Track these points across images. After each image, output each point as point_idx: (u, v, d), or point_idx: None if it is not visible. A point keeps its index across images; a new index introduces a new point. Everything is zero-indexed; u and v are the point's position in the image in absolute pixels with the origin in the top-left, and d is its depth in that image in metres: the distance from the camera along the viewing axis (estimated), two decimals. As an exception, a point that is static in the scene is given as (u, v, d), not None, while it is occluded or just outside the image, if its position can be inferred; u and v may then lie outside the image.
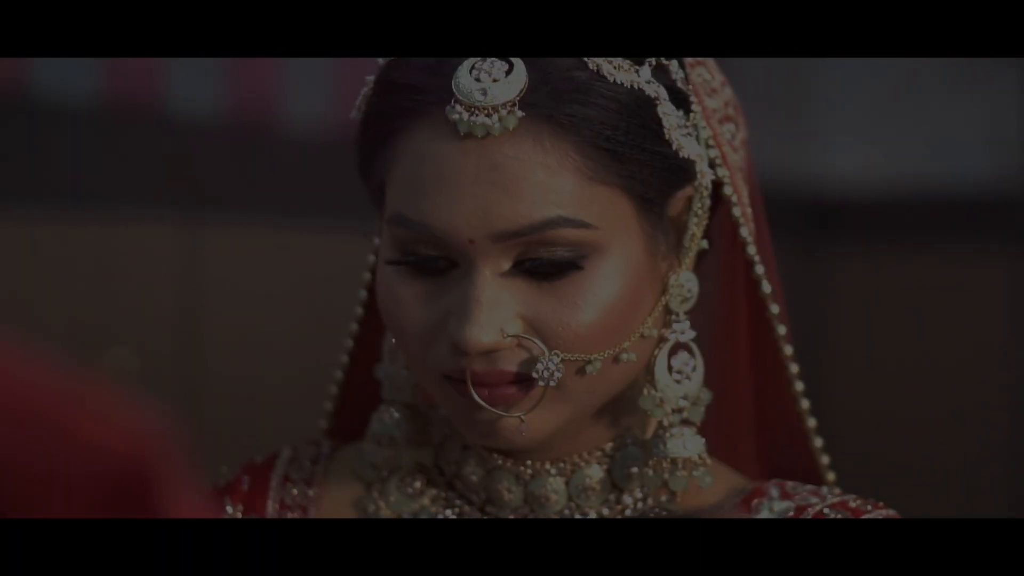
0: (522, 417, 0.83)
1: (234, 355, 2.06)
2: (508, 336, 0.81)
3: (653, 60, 0.85)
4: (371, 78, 0.87)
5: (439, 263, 0.83)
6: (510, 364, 0.82)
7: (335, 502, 0.95)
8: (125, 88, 2.05)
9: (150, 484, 0.45)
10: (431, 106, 0.82)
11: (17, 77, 1.91)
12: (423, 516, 0.92)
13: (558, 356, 0.83)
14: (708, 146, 0.87)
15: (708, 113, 0.87)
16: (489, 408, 0.82)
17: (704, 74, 0.90)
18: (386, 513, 0.93)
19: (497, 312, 0.80)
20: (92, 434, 0.45)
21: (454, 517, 0.93)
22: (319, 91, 2.26)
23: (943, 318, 2.89)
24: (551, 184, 0.80)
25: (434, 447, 0.93)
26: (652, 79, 0.83)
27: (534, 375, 0.82)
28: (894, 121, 3.03)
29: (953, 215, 2.92)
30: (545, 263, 0.81)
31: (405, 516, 0.93)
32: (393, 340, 0.91)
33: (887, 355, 2.95)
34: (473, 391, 0.82)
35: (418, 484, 0.93)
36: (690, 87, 0.86)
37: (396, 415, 0.93)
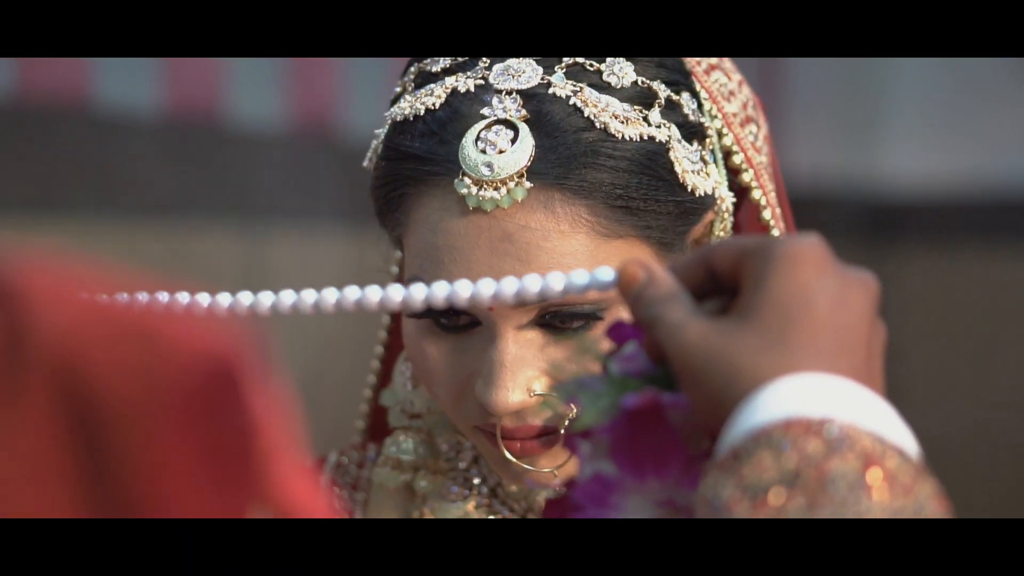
0: (555, 472, 0.84)
1: (295, 361, 2.08)
2: (535, 395, 0.81)
3: (662, 99, 0.83)
4: (379, 131, 0.87)
5: (461, 319, 0.83)
6: (538, 418, 0.83)
7: (380, 507, 0.96)
8: (186, 98, 2.07)
9: (237, 384, 0.47)
10: (439, 176, 0.82)
11: (79, 86, 1.94)
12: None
13: None
14: (732, 152, 0.87)
15: (728, 119, 0.87)
16: (518, 463, 0.83)
17: (721, 78, 0.88)
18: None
19: (522, 373, 0.81)
20: (182, 340, 0.47)
21: None
22: (377, 98, 2.27)
23: (1008, 317, 2.87)
24: (566, 248, 0.80)
25: (461, 469, 0.94)
26: (663, 121, 0.83)
27: (562, 431, 0.82)
28: (956, 122, 3.01)
29: (1012, 215, 2.90)
30: (566, 317, 0.81)
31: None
32: (406, 370, 0.92)
33: (949, 354, 2.94)
34: (504, 448, 0.83)
35: (461, 491, 0.94)
36: (707, 97, 0.86)
37: (410, 443, 0.94)
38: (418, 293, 0.67)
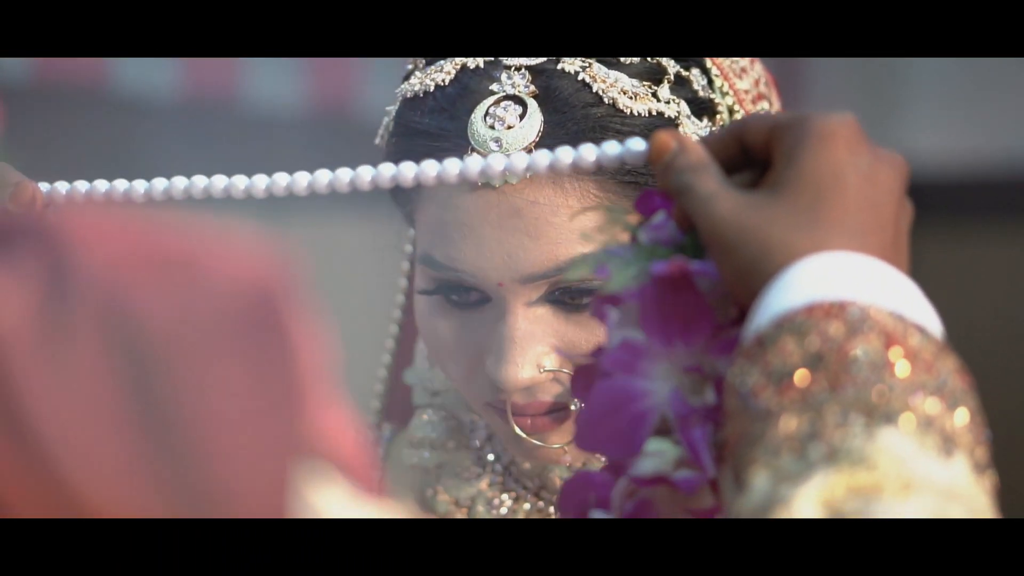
0: (565, 448, 0.84)
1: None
2: (544, 370, 0.81)
3: (672, 75, 0.83)
4: (390, 108, 0.87)
5: (471, 296, 0.83)
6: (548, 394, 0.83)
7: (395, 486, 0.96)
8: (205, 80, 2.09)
9: (277, 310, 0.48)
10: (448, 152, 0.80)
11: (99, 69, 1.95)
12: (479, 501, 0.93)
13: None
14: None
15: (740, 96, 0.86)
16: (529, 439, 0.83)
17: None
18: (443, 498, 0.94)
19: (532, 348, 0.81)
20: (224, 267, 0.48)
21: (510, 502, 0.93)
22: (396, 80, 2.30)
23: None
24: (573, 224, 0.80)
25: (476, 448, 0.94)
26: (672, 97, 0.82)
27: (572, 407, 0.83)
28: (974, 99, 3.01)
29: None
30: (576, 293, 0.81)
31: (462, 501, 0.94)
32: (424, 349, 0.92)
33: (974, 335, 2.94)
34: (514, 423, 0.83)
35: (475, 469, 0.93)
36: (718, 74, 0.85)
37: (433, 419, 0.93)
38: (452, 167, 0.66)
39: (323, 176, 0.71)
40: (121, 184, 0.73)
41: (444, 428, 0.93)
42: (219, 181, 0.74)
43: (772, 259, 0.57)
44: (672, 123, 0.81)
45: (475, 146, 0.81)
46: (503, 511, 0.97)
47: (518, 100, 0.82)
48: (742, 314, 0.62)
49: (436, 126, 0.83)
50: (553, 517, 1.02)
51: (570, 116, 0.80)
